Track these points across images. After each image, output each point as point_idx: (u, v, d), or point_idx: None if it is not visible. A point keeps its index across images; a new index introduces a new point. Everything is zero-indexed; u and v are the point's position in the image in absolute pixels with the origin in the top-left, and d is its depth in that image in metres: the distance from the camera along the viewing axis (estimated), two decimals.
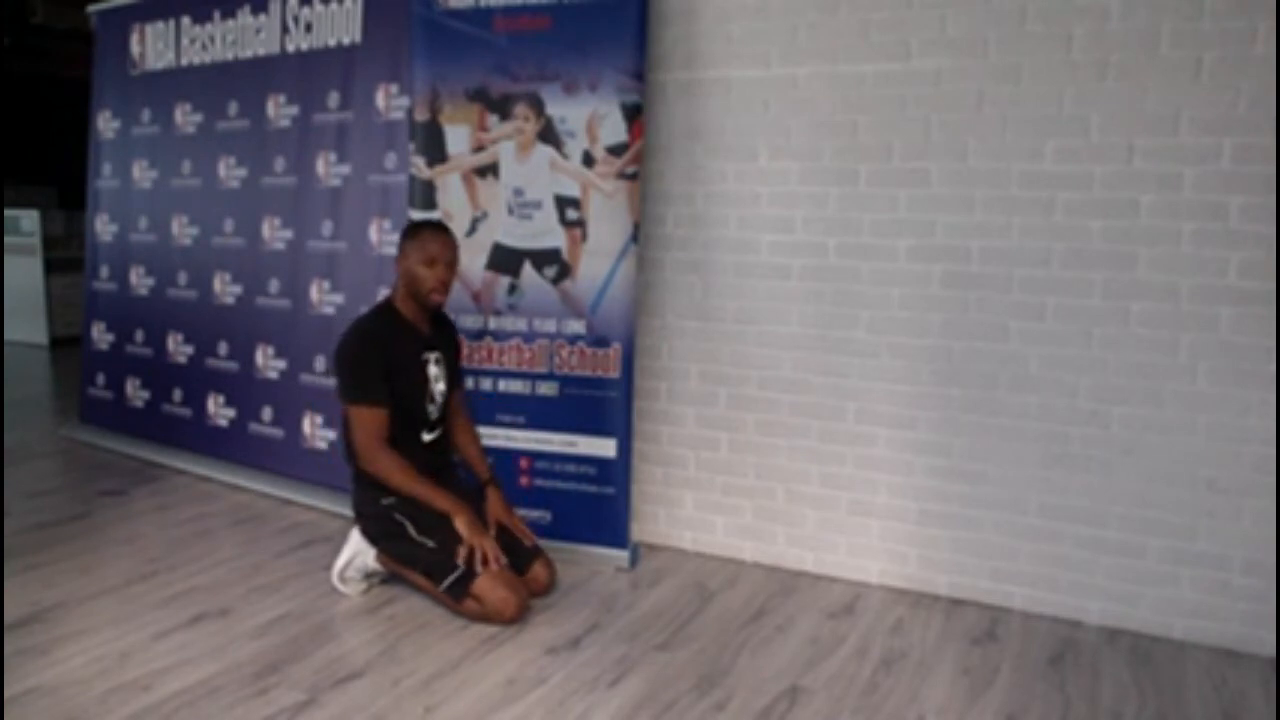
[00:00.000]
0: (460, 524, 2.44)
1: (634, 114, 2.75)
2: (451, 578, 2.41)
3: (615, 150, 2.77)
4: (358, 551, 2.58)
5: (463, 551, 2.41)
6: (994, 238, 2.51)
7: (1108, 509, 2.47)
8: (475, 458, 2.73)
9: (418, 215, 2.96)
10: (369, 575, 2.62)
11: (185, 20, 3.91)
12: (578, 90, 2.79)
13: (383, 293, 3.27)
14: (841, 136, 2.66)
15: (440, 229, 2.55)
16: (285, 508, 3.32)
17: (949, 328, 2.59)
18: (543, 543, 2.73)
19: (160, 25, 4.01)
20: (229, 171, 3.79)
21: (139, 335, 4.20)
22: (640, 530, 3.07)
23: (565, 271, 2.86)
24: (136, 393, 4.18)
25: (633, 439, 2.90)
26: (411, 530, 2.48)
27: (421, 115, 2.95)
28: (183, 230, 3.98)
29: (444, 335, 2.69)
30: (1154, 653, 2.36)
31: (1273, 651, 2.33)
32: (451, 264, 2.52)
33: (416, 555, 2.48)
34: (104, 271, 4.35)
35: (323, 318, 3.50)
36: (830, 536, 2.81)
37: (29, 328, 6.78)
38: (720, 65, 2.80)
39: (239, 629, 2.37)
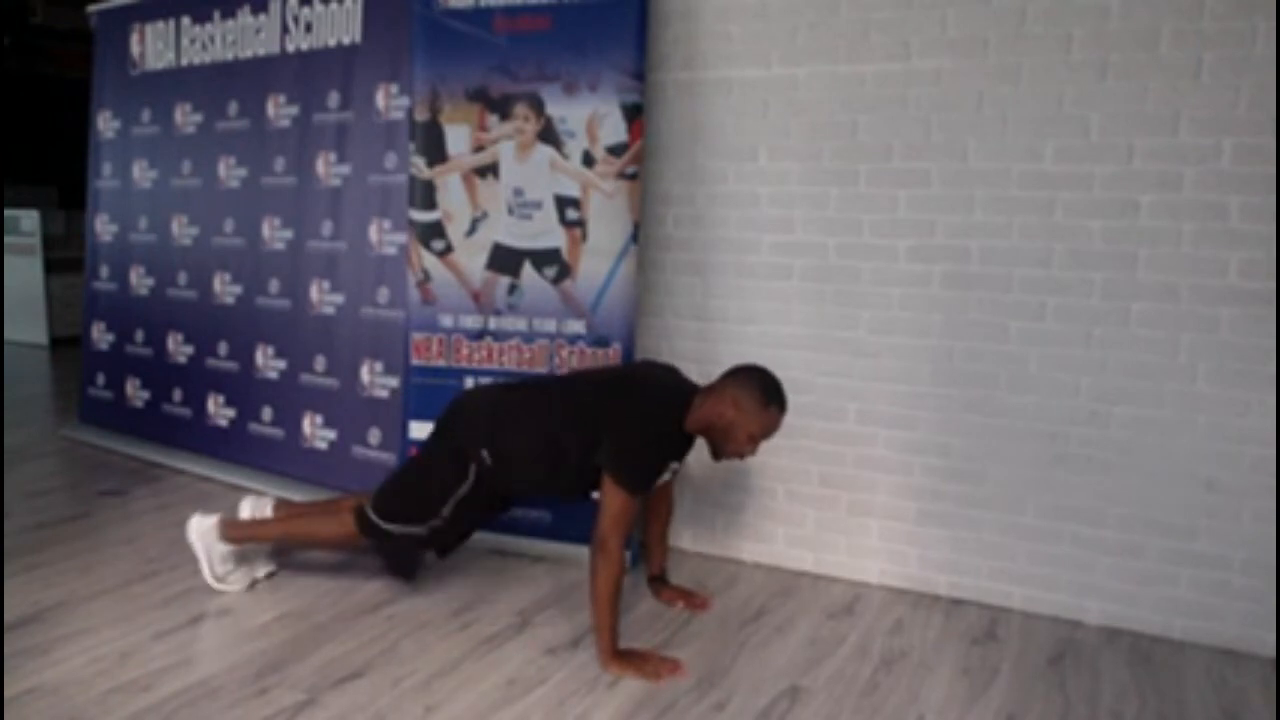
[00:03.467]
0: (624, 670, 2.21)
1: (634, 114, 2.75)
2: (394, 526, 2.38)
3: (615, 150, 2.77)
4: (207, 548, 2.55)
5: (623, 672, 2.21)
6: (994, 238, 2.51)
7: (1107, 509, 2.47)
8: (661, 548, 2.69)
9: (417, 215, 2.96)
10: (246, 562, 2.61)
11: (185, 20, 3.90)
12: (578, 90, 2.79)
13: (384, 293, 3.29)
14: (841, 136, 2.66)
15: (785, 409, 2.32)
16: None
17: (949, 328, 2.59)
18: (542, 543, 2.73)
19: (160, 25, 4.00)
20: (229, 171, 3.79)
21: (139, 335, 4.19)
22: (640, 531, 3.06)
23: (565, 271, 2.86)
24: (136, 393, 4.18)
25: None
26: (454, 490, 2.36)
27: (421, 115, 2.95)
28: (183, 230, 3.98)
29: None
30: (1154, 653, 2.36)
31: (1273, 651, 2.33)
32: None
33: (413, 501, 2.39)
34: (104, 271, 4.35)
35: (323, 318, 3.49)
36: (830, 536, 2.81)
37: (29, 328, 6.77)
38: (720, 65, 2.80)
39: (239, 629, 2.37)
